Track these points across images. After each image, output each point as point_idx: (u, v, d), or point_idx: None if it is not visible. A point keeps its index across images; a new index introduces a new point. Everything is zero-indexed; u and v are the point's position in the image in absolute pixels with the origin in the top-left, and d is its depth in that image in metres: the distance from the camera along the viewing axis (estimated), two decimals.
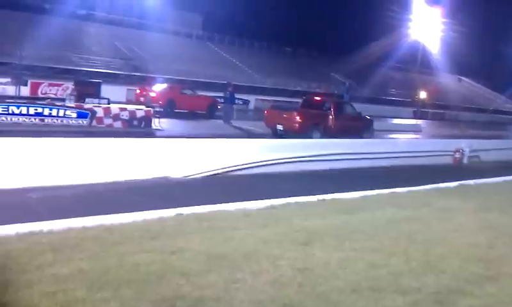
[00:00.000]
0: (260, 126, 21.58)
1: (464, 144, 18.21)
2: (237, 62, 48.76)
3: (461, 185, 11.82)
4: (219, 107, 27.20)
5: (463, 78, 73.51)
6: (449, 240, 6.73)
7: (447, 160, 17.51)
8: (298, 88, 46.20)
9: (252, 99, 39.45)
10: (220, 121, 24.62)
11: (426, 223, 7.61)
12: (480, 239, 6.85)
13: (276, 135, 19.58)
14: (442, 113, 54.27)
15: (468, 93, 68.70)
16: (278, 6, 55.08)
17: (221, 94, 26.86)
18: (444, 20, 59.09)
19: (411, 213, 8.25)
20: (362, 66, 51.95)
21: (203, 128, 21.92)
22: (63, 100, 20.01)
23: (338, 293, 4.55)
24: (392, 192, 9.98)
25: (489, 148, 19.35)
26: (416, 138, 28.52)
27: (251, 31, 52.42)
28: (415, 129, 33.81)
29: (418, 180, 11.58)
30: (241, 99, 37.54)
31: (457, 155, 17.74)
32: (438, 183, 11.53)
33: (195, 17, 53.65)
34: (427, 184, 11.19)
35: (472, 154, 18.14)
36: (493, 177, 13.34)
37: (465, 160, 17.85)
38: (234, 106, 26.06)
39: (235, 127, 22.87)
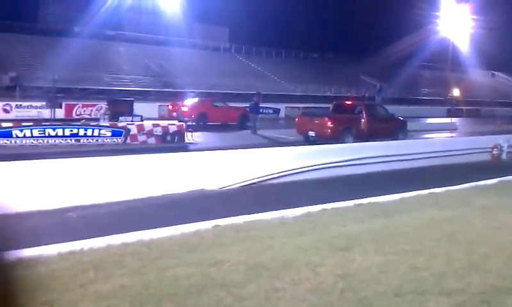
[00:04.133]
0: (291, 133, 21.53)
1: (502, 140, 17.80)
2: (266, 72, 48.85)
3: (501, 181, 11.57)
4: (250, 117, 27.25)
5: (496, 73, 71.99)
6: (492, 238, 6.58)
7: (485, 157, 17.14)
8: (328, 93, 45.97)
9: (282, 107, 39.39)
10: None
11: (467, 222, 7.46)
12: None
13: (308, 141, 19.49)
14: (477, 110, 53.17)
15: (502, 88, 67.21)
16: (302, 13, 55.15)
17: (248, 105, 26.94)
18: (473, 16, 58.22)
19: (451, 213, 8.10)
20: (392, 66, 51.49)
21: (234, 139, 21.99)
22: (97, 119, 20.38)
23: (381, 298, 4.48)
24: (430, 193, 9.83)
25: None
26: (452, 136, 28.02)
27: (277, 40, 52.48)
28: (450, 127, 33.20)
29: (457, 179, 11.39)
30: (271, 108, 37.59)
31: (495, 152, 17.35)
32: (477, 181, 11.31)
33: (221, 30, 54.06)
34: (466, 183, 10.99)
35: (510, 150, 17.72)
36: None
37: (504, 156, 17.44)
38: (259, 116, 26.04)
39: (261, 136, 22.88)
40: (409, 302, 4.41)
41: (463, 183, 10.90)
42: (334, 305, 4.31)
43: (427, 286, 4.78)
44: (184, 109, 27.23)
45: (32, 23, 42.31)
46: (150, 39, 47.22)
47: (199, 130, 21.72)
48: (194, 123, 24.01)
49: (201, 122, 25.87)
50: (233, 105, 30.01)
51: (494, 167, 15.81)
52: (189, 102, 28.41)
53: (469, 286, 4.80)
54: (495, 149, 17.37)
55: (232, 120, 28.06)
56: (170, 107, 29.02)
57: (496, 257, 5.73)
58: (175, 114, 27.13)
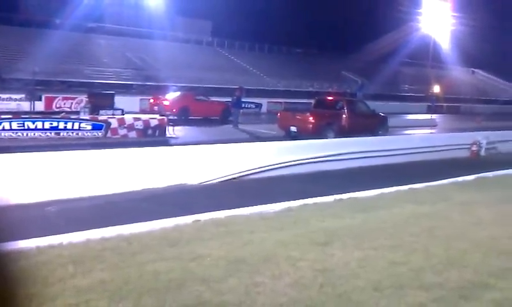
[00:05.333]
0: (273, 128, 21.57)
1: (481, 137, 18.04)
2: (248, 67, 48.81)
3: (479, 177, 11.72)
4: (232, 111, 27.23)
5: (476, 70, 72.85)
6: (470, 234, 6.66)
7: (464, 153, 17.35)
8: (310, 89, 46.09)
9: (264, 102, 39.42)
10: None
11: (446, 218, 7.55)
12: (502, 231, 6.79)
13: (290, 136, 19.53)
14: (457, 106, 53.78)
15: (482, 85, 68.05)
16: (285, 8, 55.19)
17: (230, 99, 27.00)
18: (454, 13, 58.81)
19: (430, 208, 8.19)
20: (374, 63, 51.78)
21: (216, 133, 21.98)
22: (78, 113, 20.19)
23: (360, 292, 4.52)
24: (409, 188, 9.91)
25: (507, 139, 19.11)
26: (431, 133, 28.29)
27: (260, 34, 52.50)
28: (430, 124, 33.52)
29: (436, 174, 11.50)
30: (253, 103, 37.61)
31: (474, 148, 17.57)
32: (456, 177, 11.45)
33: (204, 24, 53.87)
34: (444, 178, 11.10)
35: (489, 146, 17.96)
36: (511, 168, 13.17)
37: (483, 153, 17.68)
38: (241, 110, 26.04)
39: (242, 131, 22.90)
40: (387, 297, 4.45)
41: (442, 179, 11.00)
42: (313, 299, 4.33)
43: (406, 280, 4.83)
44: (166, 102, 27.10)
45: (12, 14, 41.64)
46: (131, 32, 46.78)
47: (180, 124, 21.66)
48: (175, 117, 23.90)
49: (183, 116, 25.79)
50: (215, 99, 29.96)
51: (473, 163, 16.01)
52: (171, 96, 28.27)
53: (447, 281, 4.86)
54: (474, 146, 17.59)
55: (214, 114, 28.02)
56: (151, 100, 28.88)
57: (474, 252, 5.81)
58: (156, 108, 26.98)
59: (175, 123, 20.49)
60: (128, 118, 18.30)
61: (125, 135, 17.74)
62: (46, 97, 28.16)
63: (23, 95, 25.91)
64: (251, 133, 22.10)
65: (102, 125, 17.38)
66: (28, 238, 5.56)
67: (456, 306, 4.39)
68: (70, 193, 8.54)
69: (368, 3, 55.11)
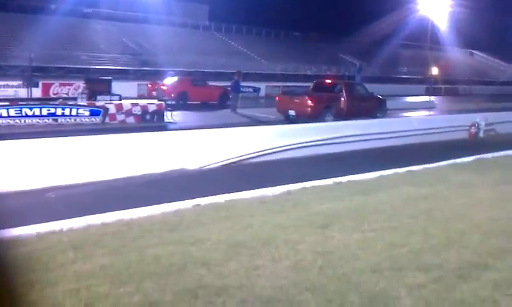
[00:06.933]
0: (271, 112, 21.54)
1: (480, 118, 18.03)
2: (246, 51, 48.60)
3: (478, 159, 11.73)
4: (230, 96, 27.21)
5: (474, 51, 72.60)
6: (468, 215, 6.67)
7: (463, 135, 17.36)
8: (308, 72, 45.97)
9: (262, 86, 39.33)
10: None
11: (444, 199, 7.57)
12: (500, 212, 6.80)
13: (288, 120, 19.51)
14: (455, 88, 53.67)
15: (480, 66, 67.89)
16: None
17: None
18: None
19: (428, 190, 8.20)
20: (372, 45, 51.58)
21: (214, 118, 21.96)
22: (75, 99, 20.15)
23: (360, 274, 4.54)
24: (408, 171, 9.93)
25: (506, 120, 19.09)
26: (430, 115, 28.27)
27: (258, 18, 52.11)
28: (428, 106, 33.51)
29: (434, 156, 11.53)
30: (251, 87, 37.52)
31: (473, 129, 17.58)
32: (455, 158, 11.44)
33: (201, 8, 53.45)
34: (443, 160, 11.12)
35: (487, 127, 17.96)
36: (510, 149, 13.17)
37: (481, 134, 17.68)
38: (240, 95, 25.95)
39: (241, 115, 22.87)
40: (387, 278, 4.46)
41: (440, 161, 11.02)
42: (313, 282, 4.35)
43: (405, 262, 4.85)
44: (164, 87, 27.07)
45: (7, 0, 41.33)
46: (127, 16, 46.47)
47: (179, 109, 21.62)
48: (174, 102, 23.86)
49: (181, 101, 25.76)
50: (213, 83, 29.88)
51: (471, 145, 16.02)
52: (169, 81, 28.23)
53: (446, 262, 4.88)
54: (473, 128, 17.60)
55: (212, 99, 28.00)
56: (149, 86, 28.83)
57: (472, 233, 5.82)
58: (154, 93, 26.97)
59: (173, 107, 20.45)
60: (126, 104, 18.27)
61: (123, 121, 17.72)
62: (43, 83, 28.13)
63: (20, 82, 25.85)
64: (250, 118, 22.06)
65: (100, 111, 17.35)
66: (28, 225, 5.58)
67: (455, 286, 4.40)
68: (69, 179, 8.54)
69: None
